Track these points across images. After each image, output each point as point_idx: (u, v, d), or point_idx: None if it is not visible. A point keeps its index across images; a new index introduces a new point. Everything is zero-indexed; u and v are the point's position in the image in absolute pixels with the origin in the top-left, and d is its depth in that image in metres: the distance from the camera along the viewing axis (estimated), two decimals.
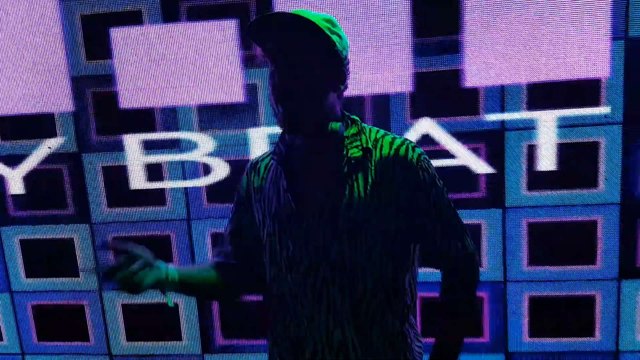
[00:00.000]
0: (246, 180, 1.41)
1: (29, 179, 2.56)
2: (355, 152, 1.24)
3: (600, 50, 2.14)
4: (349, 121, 1.30)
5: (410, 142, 1.27)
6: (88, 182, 2.54)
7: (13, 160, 2.56)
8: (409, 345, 1.33)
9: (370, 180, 1.23)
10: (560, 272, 2.35)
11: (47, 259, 2.65)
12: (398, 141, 1.26)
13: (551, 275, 2.35)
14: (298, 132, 1.26)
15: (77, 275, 2.64)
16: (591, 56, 2.15)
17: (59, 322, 2.70)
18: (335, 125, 1.25)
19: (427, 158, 1.26)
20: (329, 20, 1.23)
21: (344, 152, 1.25)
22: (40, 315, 2.71)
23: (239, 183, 1.43)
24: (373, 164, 1.24)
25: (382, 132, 1.30)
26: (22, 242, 2.64)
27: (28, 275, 2.68)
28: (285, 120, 1.22)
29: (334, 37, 1.21)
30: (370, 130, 1.30)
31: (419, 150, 1.26)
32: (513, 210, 2.31)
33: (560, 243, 2.33)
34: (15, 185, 2.58)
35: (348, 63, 1.26)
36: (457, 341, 1.34)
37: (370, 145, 1.25)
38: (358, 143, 1.25)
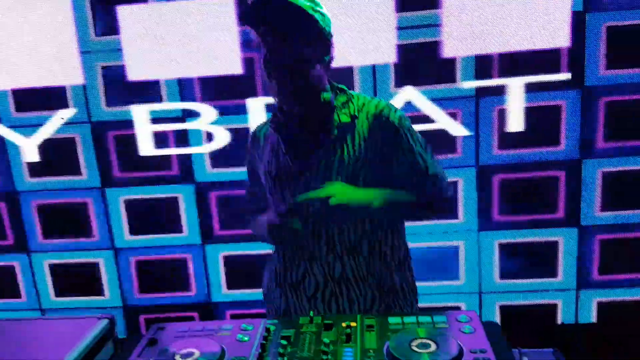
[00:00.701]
0: (251, 147, 1.64)
1: (43, 147, 2.77)
2: (344, 118, 1.47)
3: (561, 22, 2.41)
4: (337, 90, 1.52)
5: (391, 104, 1.50)
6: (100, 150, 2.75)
7: (28, 131, 2.76)
8: (407, 279, 1.61)
9: (357, 138, 1.45)
10: (528, 221, 2.66)
11: (63, 222, 2.87)
12: (382, 104, 1.48)
13: (520, 222, 2.66)
14: (295, 103, 1.46)
15: (91, 235, 2.87)
16: (553, 27, 2.41)
17: (76, 280, 2.94)
18: (327, 95, 1.46)
19: (405, 116, 1.50)
20: (312, 1, 1.41)
21: (335, 118, 1.47)
22: (57, 274, 2.94)
23: (247, 150, 1.67)
24: (360, 125, 1.46)
25: (367, 97, 1.52)
26: (39, 207, 2.86)
27: (45, 236, 2.90)
28: (280, 91, 1.43)
29: (317, 15, 1.39)
30: (357, 97, 1.51)
31: (399, 112, 1.49)
32: (486, 168, 2.60)
33: (527, 195, 2.63)
34: (30, 154, 2.78)
35: (331, 37, 1.45)
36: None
37: (356, 112, 1.48)
38: (346, 110, 1.48)
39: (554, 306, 2.73)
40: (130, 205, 2.81)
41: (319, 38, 1.42)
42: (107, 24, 2.60)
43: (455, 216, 2.66)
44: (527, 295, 2.73)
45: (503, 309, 2.75)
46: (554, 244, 2.67)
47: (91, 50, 2.64)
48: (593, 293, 2.70)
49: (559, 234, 2.66)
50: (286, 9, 1.36)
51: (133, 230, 2.84)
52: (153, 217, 2.81)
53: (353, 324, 1.31)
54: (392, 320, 1.31)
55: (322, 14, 1.42)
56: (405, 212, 1.54)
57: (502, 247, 2.69)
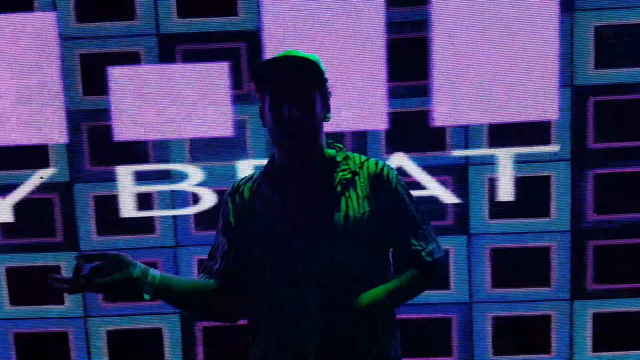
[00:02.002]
0: (231, 204, 1.52)
1: (19, 207, 2.65)
2: (346, 174, 1.46)
3: (549, 96, 2.46)
4: (336, 147, 1.51)
5: (389, 164, 1.51)
6: (78, 210, 2.65)
7: (4, 190, 2.65)
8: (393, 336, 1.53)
9: (360, 194, 1.44)
10: (520, 294, 2.59)
11: (33, 286, 2.71)
12: (380, 163, 1.49)
13: (512, 297, 2.59)
14: (302, 159, 1.44)
15: (62, 303, 2.70)
16: (542, 101, 2.46)
17: (41, 351, 2.74)
18: (331, 152, 1.47)
19: (401, 178, 1.52)
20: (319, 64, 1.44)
21: (336, 174, 1.45)
22: (22, 343, 2.74)
23: (224, 207, 1.54)
24: (361, 181, 1.45)
25: (364, 157, 1.52)
26: (8, 270, 2.70)
27: (12, 303, 2.72)
28: (292, 149, 1.42)
29: (323, 72, 1.43)
30: (354, 156, 1.52)
31: (395, 171, 1.50)
32: (477, 237, 2.56)
33: (519, 266, 2.58)
34: (5, 214, 2.66)
35: (331, 95, 1.48)
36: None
37: (357, 169, 1.47)
38: (347, 167, 1.47)
39: None
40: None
41: (325, 94, 1.45)
42: (97, 84, 2.57)
43: (447, 286, 2.59)
44: None
45: None
46: (547, 318, 2.60)
47: (78, 109, 2.60)
48: None
49: (551, 308, 2.59)
50: (298, 64, 1.38)
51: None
52: None
53: None
54: None
55: (324, 71, 1.45)
56: (412, 295, 1.54)
57: (497, 320, 2.61)
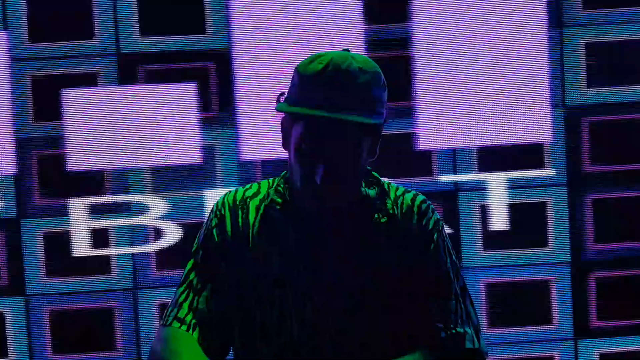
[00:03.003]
0: (229, 219, 1.13)
1: None
2: (381, 217, 1.11)
3: (541, 117, 2.31)
4: (372, 180, 1.14)
5: (429, 202, 1.15)
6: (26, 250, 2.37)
7: None
8: None
9: (394, 246, 1.10)
10: (520, 334, 2.36)
11: None
12: (419, 199, 1.13)
13: (511, 338, 2.35)
14: (331, 205, 1.07)
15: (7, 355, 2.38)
16: (533, 122, 2.31)
17: None
18: (372, 192, 1.10)
19: (442, 223, 1.16)
20: (379, 80, 1.04)
21: (374, 216, 1.10)
22: None
23: (208, 225, 1.14)
24: (398, 227, 1.10)
25: (401, 189, 1.16)
26: None
27: None
28: (318, 196, 1.04)
29: (380, 108, 1.05)
30: (389, 187, 1.15)
31: (437, 213, 1.14)
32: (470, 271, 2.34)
33: (517, 303, 2.37)
34: None
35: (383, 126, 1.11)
36: None
37: (396, 210, 1.11)
38: (382, 207, 1.12)
39: None
40: (56, 319, 2.37)
41: (377, 135, 1.08)
42: (49, 109, 2.35)
43: None
44: None
45: None
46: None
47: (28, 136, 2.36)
48: None
49: (553, 349, 2.36)
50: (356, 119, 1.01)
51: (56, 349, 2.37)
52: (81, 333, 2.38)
53: None
54: None
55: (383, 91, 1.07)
56: None
57: None
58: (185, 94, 2.33)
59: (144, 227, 2.36)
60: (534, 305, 2.37)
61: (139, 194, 2.36)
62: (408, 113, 2.31)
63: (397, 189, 1.15)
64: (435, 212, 1.13)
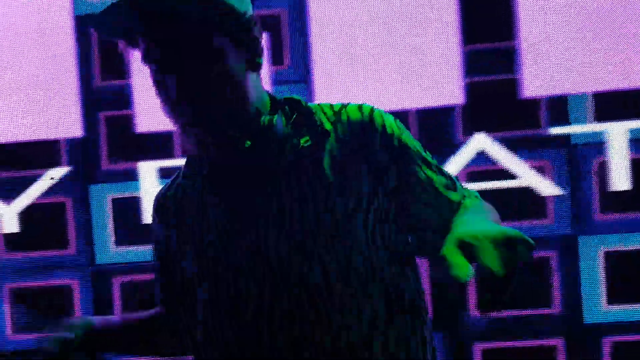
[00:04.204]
0: (158, 221, 1.04)
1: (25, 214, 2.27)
2: (307, 141, 0.93)
3: None
4: (286, 106, 0.96)
5: (379, 109, 0.97)
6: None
7: (9, 194, 2.28)
8: None
9: (330, 164, 0.92)
10: None
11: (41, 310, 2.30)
12: (366, 107, 0.96)
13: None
14: (223, 146, 0.92)
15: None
16: None
17: None
18: (267, 119, 0.93)
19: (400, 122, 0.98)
20: None
21: (291, 144, 0.93)
22: None
23: (152, 227, 1.07)
24: (334, 143, 0.93)
25: (337, 104, 0.98)
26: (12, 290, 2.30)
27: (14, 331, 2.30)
28: (200, 130, 0.89)
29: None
30: (322, 108, 0.97)
31: (390, 115, 0.97)
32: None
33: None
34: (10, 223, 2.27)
35: (256, 24, 0.92)
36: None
37: (325, 126, 0.94)
38: (308, 129, 0.94)
39: None
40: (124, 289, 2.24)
41: (241, 30, 0.90)
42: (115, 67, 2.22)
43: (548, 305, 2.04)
44: None
45: None
46: None
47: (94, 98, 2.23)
48: None
49: None
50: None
51: None
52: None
53: None
54: None
55: None
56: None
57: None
58: None
59: None
60: None
61: None
62: (509, 55, 2.02)
63: (332, 106, 0.97)
64: (388, 113, 0.96)
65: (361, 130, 0.93)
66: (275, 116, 0.92)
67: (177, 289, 1.03)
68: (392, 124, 0.94)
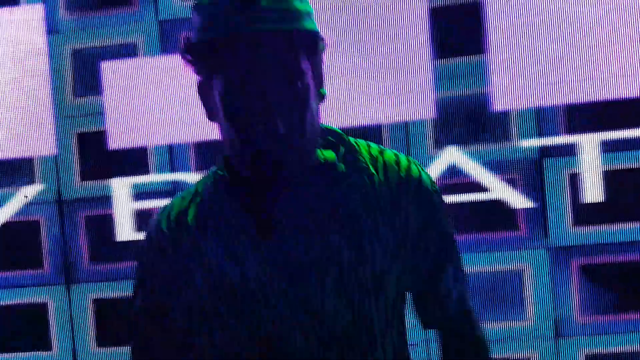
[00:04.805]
0: (171, 246, 0.92)
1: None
2: (356, 181, 0.91)
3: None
4: (332, 139, 0.94)
5: (416, 161, 0.96)
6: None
7: None
8: None
9: (378, 216, 0.90)
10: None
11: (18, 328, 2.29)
12: (403, 158, 0.93)
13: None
14: (280, 167, 0.87)
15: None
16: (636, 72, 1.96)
17: None
18: (331, 156, 0.91)
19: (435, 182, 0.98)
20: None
21: (341, 183, 0.91)
22: None
23: (143, 257, 0.95)
24: (374, 187, 0.91)
25: (375, 146, 0.95)
26: None
27: None
28: (246, 150, 0.85)
29: (313, 24, 0.88)
30: (360, 145, 0.94)
31: (426, 171, 0.97)
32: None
33: (615, 286, 2.02)
34: None
35: (325, 50, 0.91)
36: None
37: (370, 167, 0.91)
38: (355, 167, 0.92)
39: None
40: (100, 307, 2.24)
41: (316, 58, 0.89)
42: (88, 83, 2.22)
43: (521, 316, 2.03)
44: None
45: None
46: None
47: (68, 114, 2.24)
48: None
49: None
50: (279, 38, 0.84)
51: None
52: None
53: None
54: None
55: (310, 13, 0.89)
56: None
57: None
58: None
59: None
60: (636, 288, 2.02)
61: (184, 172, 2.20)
62: (478, 69, 2.02)
63: (369, 146, 0.94)
64: (424, 169, 0.95)
65: (396, 184, 0.91)
66: (333, 154, 0.90)
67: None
68: (427, 180, 0.93)
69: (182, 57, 0.85)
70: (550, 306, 2.02)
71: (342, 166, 0.90)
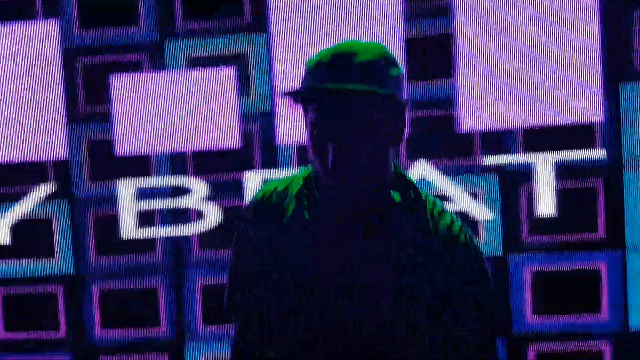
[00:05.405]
0: (262, 215, 1.11)
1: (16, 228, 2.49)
2: (414, 228, 1.03)
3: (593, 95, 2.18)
4: (402, 183, 1.06)
5: (468, 230, 1.07)
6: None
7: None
8: None
9: (426, 270, 1.02)
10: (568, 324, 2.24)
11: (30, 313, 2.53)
12: (458, 223, 1.05)
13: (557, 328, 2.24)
14: (352, 188, 1.01)
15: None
16: (585, 100, 2.17)
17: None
18: (397, 197, 1.04)
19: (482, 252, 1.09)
20: (385, 59, 1.00)
21: (402, 223, 1.03)
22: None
23: (245, 225, 1.13)
24: (429, 240, 1.02)
25: (439, 205, 1.08)
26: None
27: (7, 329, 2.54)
28: (338, 182, 0.99)
29: (397, 86, 1.01)
30: (427, 198, 1.07)
31: (478, 244, 1.07)
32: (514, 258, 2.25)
33: (565, 292, 2.25)
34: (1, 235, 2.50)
35: (407, 107, 1.05)
36: None
37: (430, 222, 1.03)
38: (417, 217, 1.04)
39: None
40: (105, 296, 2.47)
41: (397, 111, 1.02)
42: (98, 93, 2.44)
43: None
44: None
45: None
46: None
47: (79, 121, 2.46)
48: None
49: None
50: (364, 93, 0.98)
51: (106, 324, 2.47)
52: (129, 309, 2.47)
53: None
54: None
55: (399, 74, 1.02)
56: None
57: None
58: (225, 78, 2.36)
59: (187, 210, 2.41)
60: (586, 293, 2.24)
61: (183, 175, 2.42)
62: (447, 93, 2.23)
63: (434, 203, 1.07)
64: (475, 238, 1.06)
65: (445, 245, 1.01)
66: (398, 196, 1.03)
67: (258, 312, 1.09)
68: (474, 248, 1.03)
69: (285, 95, 1.00)
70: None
71: (404, 208, 1.02)
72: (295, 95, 1.01)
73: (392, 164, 1.04)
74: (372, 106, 0.97)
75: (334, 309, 1.02)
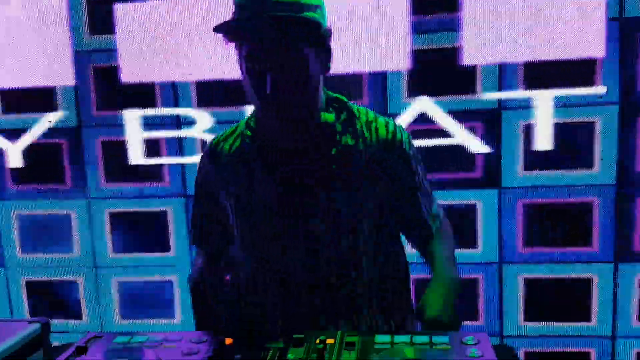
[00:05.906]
0: (208, 163, 1.30)
1: (27, 152, 2.58)
2: (347, 139, 1.21)
3: (595, 31, 2.16)
4: (336, 105, 1.24)
5: (400, 126, 1.28)
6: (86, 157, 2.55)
7: (13, 134, 2.58)
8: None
9: (363, 162, 1.21)
10: (557, 254, 2.34)
11: (44, 234, 2.65)
12: (392, 125, 1.26)
13: (547, 258, 2.34)
14: (291, 128, 1.19)
15: (72, 252, 2.64)
16: (587, 36, 2.16)
17: (52, 298, 2.70)
18: (329, 116, 1.20)
19: (413, 143, 1.30)
20: None
21: (337, 139, 1.21)
22: (33, 291, 2.70)
23: (200, 170, 1.34)
24: (365, 147, 1.22)
25: (371, 113, 1.27)
26: (18, 216, 2.65)
27: (24, 251, 2.67)
28: (265, 109, 1.15)
29: (317, 15, 1.12)
30: (360, 112, 1.26)
31: (407, 134, 1.29)
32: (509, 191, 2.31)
33: (557, 225, 2.32)
34: (14, 159, 2.59)
35: (331, 35, 1.17)
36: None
37: (363, 132, 1.23)
38: (350, 129, 1.22)
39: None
40: (115, 219, 2.58)
41: (321, 42, 1.16)
42: (103, 22, 2.44)
43: (474, 245, 2.36)
44: (553, 342, 2.38)
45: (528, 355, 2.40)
46: (588, 282, 2.34)
47: (85, 49, 2.47)
48: None
49: (593, 271, 2.32)
50: (289, 21, 1.10)
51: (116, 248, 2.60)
52: (139, 233, 2.58)
53: (329, 340, 1.03)
54: (380, 338, 1.04)
55: (320, 6, 1.15)
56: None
57: (528, 283, 2.37)
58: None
59: (192, 139, 2.47)
60: (576, 228, 2.32)
61: (187, 107, 2.46)
62: (453, 26, 2.22)
63: (367, 113, 1.26)
64: (406, 132, 1.28)
65: (384, 145, 1.22)
66: (332, 115, 1.20)
67: (211, 228, 1.36)
68: (406, 142, 1.25)
69: (215, 31, 1.11)
70: (496, 235, 2.35)
71: (339, 127, 1.21)
72: (219, 31, 1.11)
73: (322, 89, 1.19)
74: (297, 33, 1.08)
75: (292, 230, 1.21)
